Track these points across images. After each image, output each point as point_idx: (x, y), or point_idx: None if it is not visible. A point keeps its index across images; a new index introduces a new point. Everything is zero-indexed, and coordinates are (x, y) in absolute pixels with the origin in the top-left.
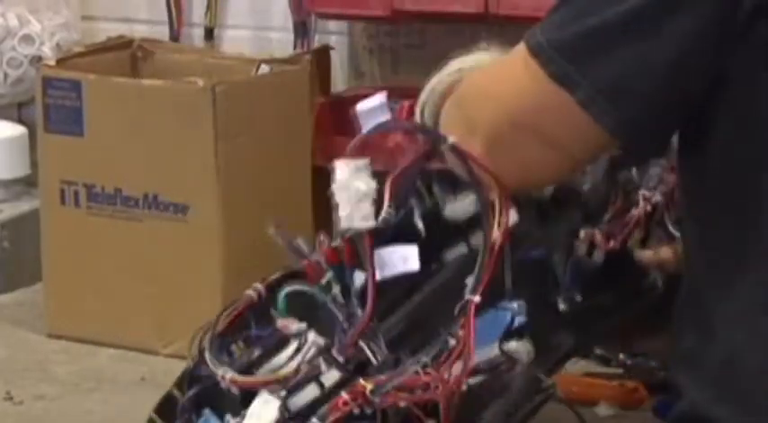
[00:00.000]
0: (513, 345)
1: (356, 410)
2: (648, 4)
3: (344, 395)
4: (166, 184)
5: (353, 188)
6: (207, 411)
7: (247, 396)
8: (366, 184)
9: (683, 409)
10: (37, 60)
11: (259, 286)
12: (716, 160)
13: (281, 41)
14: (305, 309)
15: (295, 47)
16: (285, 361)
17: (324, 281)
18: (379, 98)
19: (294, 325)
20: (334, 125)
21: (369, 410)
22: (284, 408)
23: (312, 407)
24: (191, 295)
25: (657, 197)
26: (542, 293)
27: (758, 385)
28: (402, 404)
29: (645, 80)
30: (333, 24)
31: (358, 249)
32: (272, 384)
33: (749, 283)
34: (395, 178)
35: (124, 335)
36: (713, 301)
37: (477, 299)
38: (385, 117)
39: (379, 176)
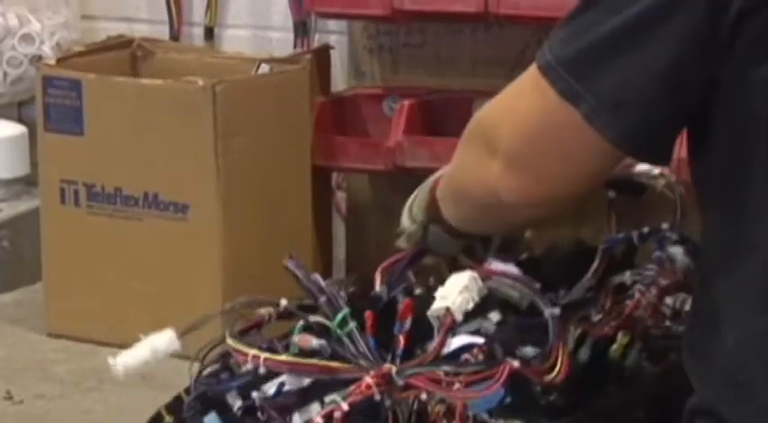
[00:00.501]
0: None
1: (377, 396)
2: (641, 14)
3: (369, 379)
4: (166, 184)
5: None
6: (213, 414)
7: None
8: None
9: (694, 402)
10: (37, 59)
11: (272, 310)
12: (716, 159)
13: (281, 41)
14: (318, 336)
15: (295, 46)
16: None
17: (340, 316)
18: None
19: (314, 340)
20: (334, 124)
21: (387, 401)
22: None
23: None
24: (191, 294)
25: (654, 292)
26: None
27: (763, 383)
28: (423, 395)
29: (643, 90)
30: (333, 24)
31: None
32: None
33: (747, 280)
34: (384, 268)
35: (124, 334)
36: (720, 297)
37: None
38: None
39: None
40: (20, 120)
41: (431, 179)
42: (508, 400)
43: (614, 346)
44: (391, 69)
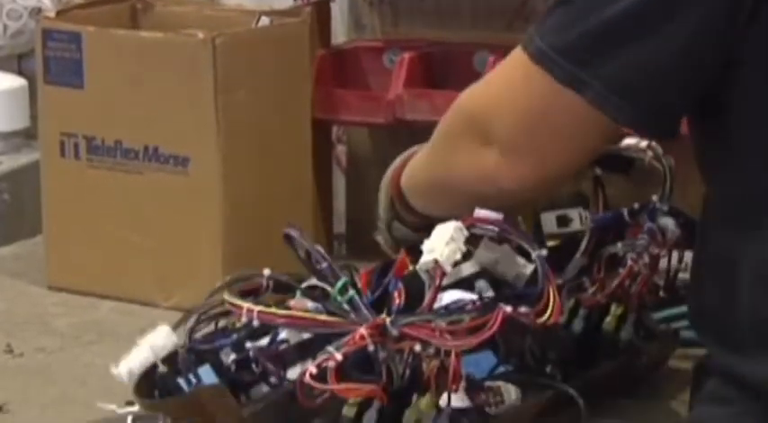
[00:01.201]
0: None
1: (371, 347)
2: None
3: (363, 330)
4: (167, 137)
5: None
6: (207, 366)
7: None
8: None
9: (704, 362)
10: (36, 12)
11: (269, 274)
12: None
13: None
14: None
15: None
16: None
17: (340, 283)
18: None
19: (310, 303)
20: (334, 77)
21: (382, 354)
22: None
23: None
24: (191, 248)
25: (646, 260)
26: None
27: None
28: (417, 347)
29: (655, 73)
30: None
31: None
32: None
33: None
34: (365, 274)
35: (125, 287)
36: (737, 254)
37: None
38: None
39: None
40: (20, 72)
41: (388, 175)
42: (502, 369)
43: (608, 319)
44: (391, 22)
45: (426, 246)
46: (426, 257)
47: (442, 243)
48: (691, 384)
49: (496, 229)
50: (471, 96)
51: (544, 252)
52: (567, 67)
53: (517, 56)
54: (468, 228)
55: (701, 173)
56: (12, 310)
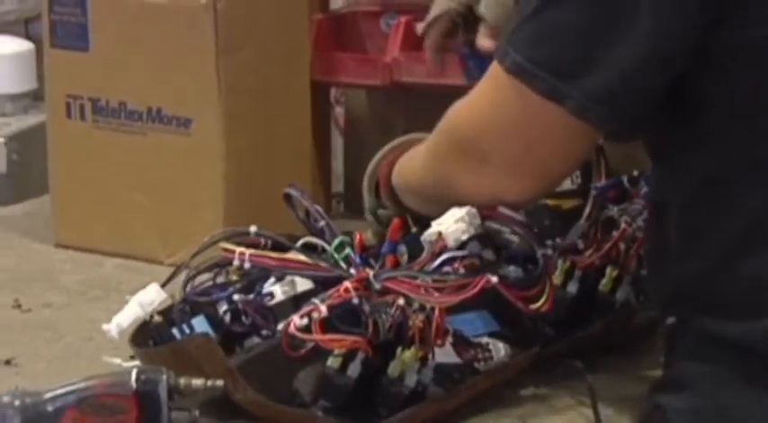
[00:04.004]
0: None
1: (355, 300)
2: (617, 5)
3: (348, 283)
4: (170, 98)
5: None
6: (201, 317)
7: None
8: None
9: (686, 326)
10: None
11: (268, 234)
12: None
13: None
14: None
15: None
16: None
17: (337, 241)
18: None
19: (304, 257)
20: (333, 41)
21: (366, 306)
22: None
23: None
24: (194, 207)
25: (639, 223)
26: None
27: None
28: (400, 300)
29: (631, 80)
30: None
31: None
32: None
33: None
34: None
35: (129, 245)
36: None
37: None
38: None
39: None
40: (27, 36)
41: (371, 169)
42: (497, 327)
43: (604, 281)
44: None
45: (437, 220)
46: (433, 229)
47: (452, 220)
48: (665, 345)
49: (510, 228)
50: (459, 118)
51: (549, 251)
52: (546, 79)
53: (495, 72)
54: (482, 219)
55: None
56: (20, 267)
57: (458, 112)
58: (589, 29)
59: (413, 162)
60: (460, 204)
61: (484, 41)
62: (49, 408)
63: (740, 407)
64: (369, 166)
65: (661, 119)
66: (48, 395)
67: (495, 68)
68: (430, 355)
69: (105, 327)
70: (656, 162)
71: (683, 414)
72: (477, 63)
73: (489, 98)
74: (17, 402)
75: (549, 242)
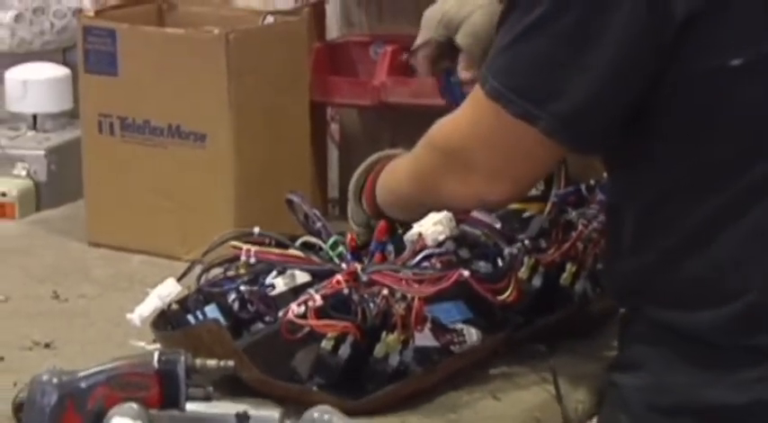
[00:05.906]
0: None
1: (346, 290)
2: (582, 35)
3: (339, 276)
4: (187, 116)
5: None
6: (213, 305)
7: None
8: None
9: (639, 314)
10: (78, 12)
11: (271, 234)
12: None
13: None
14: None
15: (296, 1)
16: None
17: (332, 240)
18: None
19: (302, 253)
20: (329, 67)
21: (355, 296)
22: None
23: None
24: (208, 210)
25: (595, 225)
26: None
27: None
28: (385, 291)
29: (595, 105)
30: None
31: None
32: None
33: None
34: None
35: (152, 243)
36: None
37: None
38: None
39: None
40: (64, 63)
41: (354, 185)
42: (471, 315)
43: (564, 275)
44: (377, 19)
45: (417, 223)
46: (414, 230)
47: (431, 223)
48: (619, 331)
49: (481, 230)
50: (443, 133)
51: (515, 250)
52: (519, 103)
53: (477, 94)
54: (458, 222)
55: (617, 165)
56: (58, 263)
57: (443, 128)
58: (556, 60)
59: (395, 175)
60: (444, 209)
61: (462, 73)
62: (83, 384)
63: (685, 385)
64: (352, 178)
65: (619, 138)
66: (81, 374)
67: (477, 91)
68: (411, 339)
69: (129, 316)
70: (612, 174)
71: (635, 390)
72: (453, 88)
73: (473, 117)
74: (55, 380)
75: (519, 240)
